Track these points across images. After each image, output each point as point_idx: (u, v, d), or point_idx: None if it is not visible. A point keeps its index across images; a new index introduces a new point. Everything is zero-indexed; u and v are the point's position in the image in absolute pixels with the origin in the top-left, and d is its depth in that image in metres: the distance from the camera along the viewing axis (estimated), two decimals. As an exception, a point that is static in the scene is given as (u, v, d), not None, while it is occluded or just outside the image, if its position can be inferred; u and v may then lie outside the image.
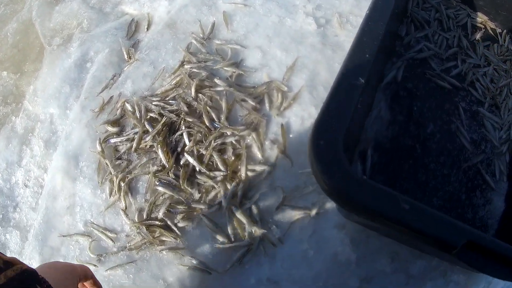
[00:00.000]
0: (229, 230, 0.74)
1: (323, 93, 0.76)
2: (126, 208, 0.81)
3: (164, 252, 0.79)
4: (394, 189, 0.72)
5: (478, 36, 0.90)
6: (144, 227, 0.79)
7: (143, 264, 0.80)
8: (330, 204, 0.74)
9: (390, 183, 0.73)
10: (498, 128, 0.82)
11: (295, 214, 0.73)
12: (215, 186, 0.75)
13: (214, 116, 0.76)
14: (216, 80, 0.78)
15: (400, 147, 0.75)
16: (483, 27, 0.94)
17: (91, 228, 0.81)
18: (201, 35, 0.85)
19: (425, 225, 0.51)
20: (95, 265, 0.79)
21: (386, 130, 0.75)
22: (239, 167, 0.74)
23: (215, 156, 0.75)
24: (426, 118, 0.78)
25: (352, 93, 0.58)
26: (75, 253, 0.82)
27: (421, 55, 0.83)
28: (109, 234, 0.81)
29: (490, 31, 0.93)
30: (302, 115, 0.75)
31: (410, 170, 0.74)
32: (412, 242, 0.73)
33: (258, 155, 0.75)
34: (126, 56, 0.91)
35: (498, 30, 0.94)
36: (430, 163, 0.76)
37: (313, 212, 0.73)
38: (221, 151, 0.76)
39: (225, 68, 0.80)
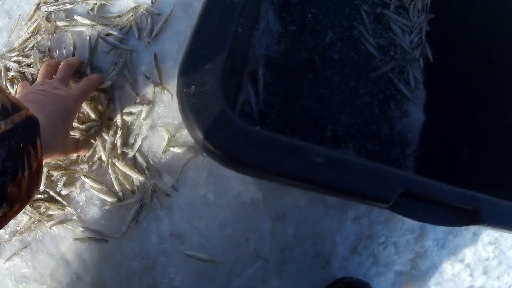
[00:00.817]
0: (116, 188, 0.64)
1: (198, 8, 0.64)
2: (5, 185, 0.70)
3: (54, 228, 0.68)
4: (295, 109, 0.64)
5: None
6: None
7: (38, 246, 0.69)
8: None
9: (289, 104, 0.63)
10: (407, 32, 0.73)
11: (185, 155, 0.63)
12: (91, 140, 0.64)
13: (77, 60, 0.64)
14: (76, 17, 0.66)
15: (295, 61, 0.65)
16: None
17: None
18: (56, -31, 0.72)
19: (347, 181, 0.37)
20: (-8, 260, 0.68)
21: (277, 44, 0.65)
22: (113, 112, 0.63)
23: (84, 106, 0.63)
24: (323, 25, 0.68)
25: (229, 14, 0.41)
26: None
27: (312, -42, 0.73)
28: (-4, 219, 0.70)
29: None
30: (178, 39, 0.64)
31: (311, 86, 0.65)
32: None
33: (133, 94, 0.63)
34: (-20, 12, 0.77)
35: None
36: (333, 76, 0.67)
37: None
38: (91, 98, 0.64)
39: (84, 1, 0.67)
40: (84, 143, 0.63)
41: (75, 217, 0.66)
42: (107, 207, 0.65)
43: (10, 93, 0.68)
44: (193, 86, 0.37)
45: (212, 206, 0.64)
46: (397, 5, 0.74)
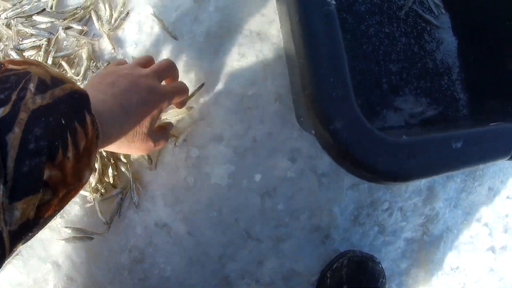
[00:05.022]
0: (94, 183, 0.61)
1: None
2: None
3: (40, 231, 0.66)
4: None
5: None
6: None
7: (28, 252, 0.67)
8: (200, 118, 0.60)
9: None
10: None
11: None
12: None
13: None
14: (35, 17, 0.64)
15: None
16: None
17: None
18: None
19: (483, 153, 0.43)
20: (-18, 273, 0.68)
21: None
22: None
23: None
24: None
25: (332, 25, 0.37)
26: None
27: None
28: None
29: None
30: (139, 20, 0.61)
31: (353, 46, 0.63)
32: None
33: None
34: None
35: None
36: (368, 28, 0.65)
37: (181, 138, 0.60)
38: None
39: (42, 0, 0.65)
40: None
41: (58, 218, 0.65)
42: (88, 205, 0.63)
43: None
44: (337, 121, 0.35)
45: (194, 190, 0.60)
46: None
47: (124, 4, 0.62)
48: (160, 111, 0.48)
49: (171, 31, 0.61)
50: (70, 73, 0.62)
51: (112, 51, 0.62)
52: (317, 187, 0.62)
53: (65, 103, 0.31)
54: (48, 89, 0.31)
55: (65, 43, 0.63)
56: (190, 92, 0.57)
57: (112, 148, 0.47)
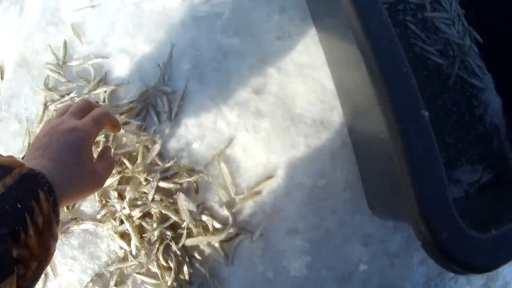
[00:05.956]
0: (169, 281, 0.61)
1: (213, 75, 0.59)
2: None
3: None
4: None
5: None
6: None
7: None
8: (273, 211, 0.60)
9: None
10: (451, 24, 0.69)
11: (236, 240, 0.60)
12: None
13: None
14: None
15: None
16: None
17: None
18: (56, 62, 0.66)
19: None
20: None
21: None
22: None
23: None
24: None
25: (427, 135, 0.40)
26: None
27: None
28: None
29: None
30: (197, 112, 0.59)
31: None
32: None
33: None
34: (-12, 121, 0.73)
35: None
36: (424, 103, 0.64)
37: (257, 233, 0.59)
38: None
39: (92, 92, 0.62)
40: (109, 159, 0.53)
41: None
42: (167, 300, 0.63)
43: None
44: (443, 232, 0.38)
45: (274, 283, 0.61)
46: (430, 1, 0.69)
47: (182, 99, 0.60)
48: (92, 141, 0.47)
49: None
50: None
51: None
52: (389, 268, 0.63)
53: (17, 189, 0.34)
54: None
55: (124, 139, 0.61)
56: (257, 182, 0.60)
57: (76, 195, 0.46)
